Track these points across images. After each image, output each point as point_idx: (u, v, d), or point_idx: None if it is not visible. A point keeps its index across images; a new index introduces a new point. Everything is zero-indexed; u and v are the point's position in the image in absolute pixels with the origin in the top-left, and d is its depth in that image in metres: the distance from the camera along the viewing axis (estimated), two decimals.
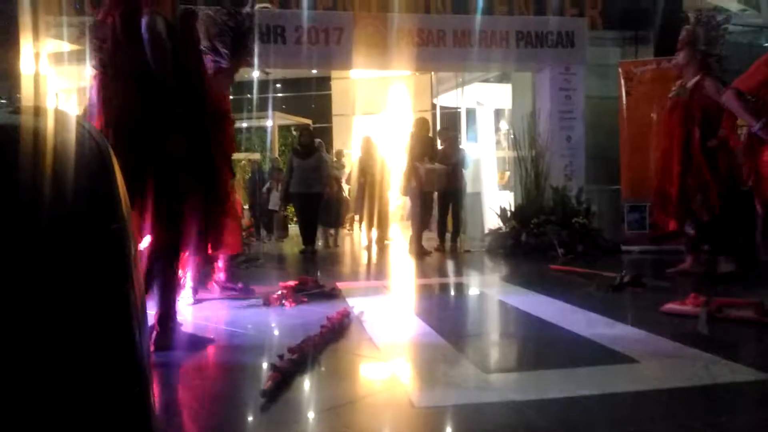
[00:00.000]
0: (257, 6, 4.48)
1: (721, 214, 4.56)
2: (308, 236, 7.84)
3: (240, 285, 4.60)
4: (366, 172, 8.31)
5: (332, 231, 9.25)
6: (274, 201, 10.60)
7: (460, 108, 11.48)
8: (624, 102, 7.56)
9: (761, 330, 3.27)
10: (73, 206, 1.32)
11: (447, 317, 4.03)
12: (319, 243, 8.43)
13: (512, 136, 8.88)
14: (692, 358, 2.75)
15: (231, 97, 4.71)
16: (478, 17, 7.76)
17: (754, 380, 2.41)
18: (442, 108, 13.50)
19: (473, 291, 5.35)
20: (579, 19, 8.14)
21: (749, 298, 3.63)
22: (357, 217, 9.17)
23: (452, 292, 5.32)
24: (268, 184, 10.81)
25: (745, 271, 4.55)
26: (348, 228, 11.73)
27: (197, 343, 3.11)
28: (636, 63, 7.84)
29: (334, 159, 10.87)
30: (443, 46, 7.74)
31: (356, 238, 10.61)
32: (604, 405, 2.24)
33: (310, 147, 7.93)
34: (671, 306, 3.75)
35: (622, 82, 7.57)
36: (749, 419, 2.09)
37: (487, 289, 5.24)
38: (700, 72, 4.59)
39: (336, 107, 16.78)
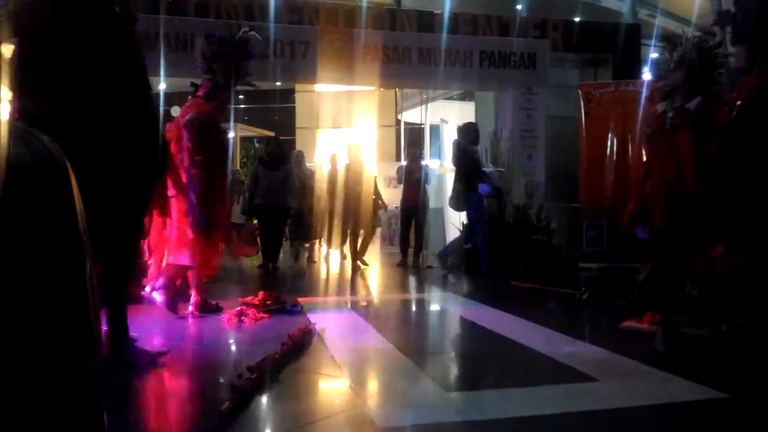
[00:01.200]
0: (250, 32, 4.67)
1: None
2: (269, 252, 7.53)
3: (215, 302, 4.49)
4: (351, 182, 7.89)
5: (306, 245, 8.96)
6: (236, 214, 10.45)
7: (423, 124, 11.58)
8: (583, 123, 7.75)
9: (716, 348, 3.36)
10: (28, 221, 1.26)
11: (409, 334, 4.02)
12: (281, 258, 8.28)
13: None
14: (649, 376, 2.80)
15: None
16: (444, 36, 7.86)
17: (709, 398, 2.47)
18: (406, 124, 13.60)
19: (434, 307, 5.36)
20: (541, 41, 8.33)
21: (703, 317, 3.73)
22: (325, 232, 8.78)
23: (414, 308, 5.32)
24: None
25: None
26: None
27: (150, 358, 3.01)
28: (595, 85, 8.05)
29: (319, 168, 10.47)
30: (408, 63, 7.81)
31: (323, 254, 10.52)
32: (564, 424, 2.26)
33: (279, 158, 7.52)
34: (629, 323, 3.82)
35: (582, 103, 7.76)
36: None
37: (449, 305, 5.25)
38: (699, 96, 4.47)
39: (300, 120, 16.71)
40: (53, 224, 1.48)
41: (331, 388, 2.83)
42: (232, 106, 4.78)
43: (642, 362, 3.01)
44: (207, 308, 4.33)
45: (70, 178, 1.57)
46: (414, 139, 11.68)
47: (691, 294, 4.69)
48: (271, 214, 7.38)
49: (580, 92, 7.82)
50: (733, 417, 2.35)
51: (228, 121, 4.72)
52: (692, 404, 2.41)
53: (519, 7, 11.23)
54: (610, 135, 7.59)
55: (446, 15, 8.22)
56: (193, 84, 4.59)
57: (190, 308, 4.28)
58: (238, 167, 13.43)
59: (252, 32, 4.77)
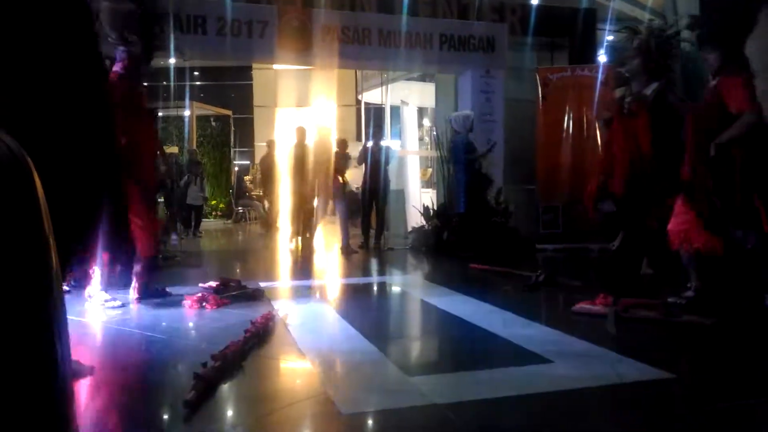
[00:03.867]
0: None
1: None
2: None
3: (164, 289, 4.44)
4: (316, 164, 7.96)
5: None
6: (193, 195, 10.30)
7: (384, 104, 11.56)
8: (540, 106, 7.88)
9: (665, 329, 3.52)
10: None
11: (371, 318, 4.08)
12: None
13: (435, 136, 9.05)
14: (601, 357, 2.93)
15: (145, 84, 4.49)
16: (404, 17, 7.84)
17: (658, 378, 2.60)
18: (366, 104, 13.55)
19: (396, 290, 5.43)
20: (499, 25, 8.40)
21: (655, 299, 3.90)
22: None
23: (376, 292, 5.38)
24: (186, 178, 10.48)
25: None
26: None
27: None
28: (552, 69, 8.18)
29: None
30: (368, 44, 7.77)
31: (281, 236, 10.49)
32: (522, 406, 2.36)
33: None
34: (582, 305, 3.97)
35: (539, 87, 7.88)
36: (654, 417, 2.26)
37: (410, 288, 5.34)
38: (655, 81, 4.64)
39: (257, 98, 16.45)
40: (17, 222, 1.46)
41: (295, 374, 2.87)
42: (188, 84, 4.60)
43: (594, 344, 3.14)
44: (151, 293, 4.27)
45: (33, 176, 1.55)
46: (377, 120, 11.68)
47: (646, 273, 4.91)
48: None
49: (537, 76, 7.93)
50: (679, 396, 2.49)
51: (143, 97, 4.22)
52: (641, 384, 2.54)
53: None
54: (566, 119, 7.74)
55: None
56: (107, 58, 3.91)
57: (134, 294, 4.21)
58: (194, 147, 13.19)
59: None
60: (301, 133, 8.03)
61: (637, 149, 4.29)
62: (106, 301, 4.01)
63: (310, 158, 7.91)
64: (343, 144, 8.42)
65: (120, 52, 3.94)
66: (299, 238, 7.96)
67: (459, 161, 7.28)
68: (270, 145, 11.35)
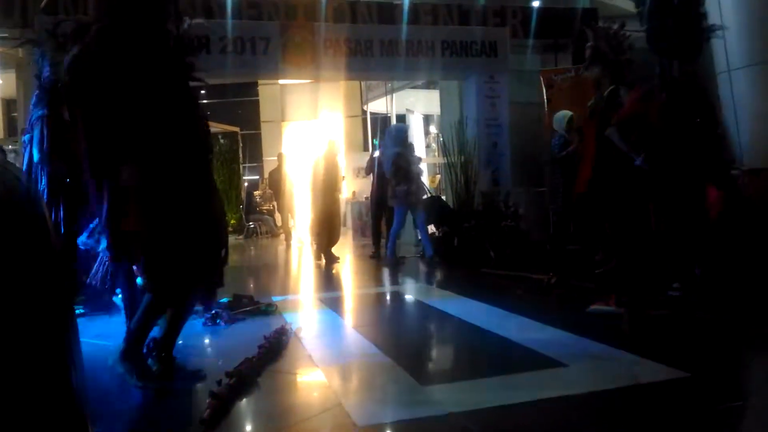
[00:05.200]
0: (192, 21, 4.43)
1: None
2: None
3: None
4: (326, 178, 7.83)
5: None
6: None
7: (390, 114, 11.61)
8: (546, 108, 7.87)
9: (680, 327, 3.50)
10: (3, 248, 1.28)
11: (384, 329, 4.08)
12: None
13: (442, 143, 9.06)
14: (617, 359, 2.92)
15: None
16: (405, 27, 7.89)
17: (673, 378, 2.58)
18: (372, 114, 13.61)
19: (409, 299, 5.43)
20: (501, 29, 8.42)
21: (664, 296, 3.88)
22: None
23: (389, 302, 5.38)
24: None
25: None
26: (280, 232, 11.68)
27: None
28: (556, 71, 8.17)
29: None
30: (371, 55, 7.82)
31: (292, 246, 10.52)
32: (538, 411, 2.35)
33: None
34: (596, 306, 3.95)
35: (543, 89, 7.88)
36: (670, 418, 2.24)
37: (422, 296, 5.33)
38: (614, 82, 4.78)
39: (264, 113, 16.56)
40: (29, 251, 1.49)
41: (310, 388, 2.87)
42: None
43: (609, 345, 3.13)
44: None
45: (43, 207, 1.59)
46: (384, 130, 11.74)
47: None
48: None
49: (541, 78, 7.93)
50: (694, 396, 2.47)
51: None
52: (656, 385, 2.52)
53: None
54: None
55: (406, 5, 8.24)
56: None
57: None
58: None
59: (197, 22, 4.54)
60: (332, 145, 8.04)
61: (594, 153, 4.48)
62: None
63: (338, 171, 7.97)
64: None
65: None
66: (324, 252, 7.78)
67: (556, 160, 7.26)
68: (280, 158, 11.41)
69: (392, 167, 7.15)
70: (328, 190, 7.74)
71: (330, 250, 7.70)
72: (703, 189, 4.13)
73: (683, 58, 4.07)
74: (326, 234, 7.72)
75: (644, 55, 4.49)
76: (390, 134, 7.44)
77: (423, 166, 10.85)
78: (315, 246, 7.90)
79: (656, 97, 4.10)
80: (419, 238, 8.60)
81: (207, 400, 2.39)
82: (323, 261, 7.65)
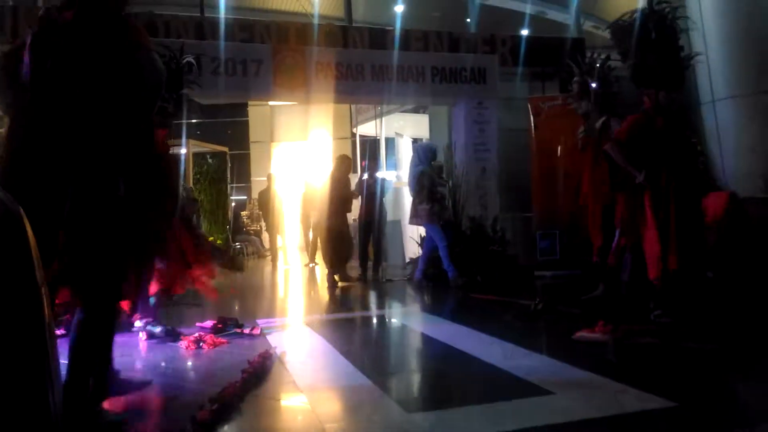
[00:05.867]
0: (189, 58, 4.52)
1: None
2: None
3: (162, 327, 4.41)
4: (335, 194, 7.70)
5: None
6: None
7: (378, 137, 11.67)
8: (533, 135, 7.95)
9: (668, 356, 3.50)
10: None
11: (370, 354, 4.05)
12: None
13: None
14: (603, 387, 2.90)
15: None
16: (396, 53, 7.97)
17: (660, 408, 2.57)
18: (361, 137, 13.67)
19: (395, 324, 5.40)
20: (490, 57, 8.53)
21: (651, 324, 3.89)
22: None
23: (375, 326, 5.34)
24: None
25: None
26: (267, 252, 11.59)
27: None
28: (543, 98, 8.27)
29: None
30: (362, 79, 7.88)
31: (278, 266, 10.45)
32: None
33: None
34: (582, 334, 3.94)
35: (531, 116, 7.96)
36: None
37: (409, 321, 5.30)
38: (604, 113, 4.90)
39: (254, 134, 16.58)
40: (10, 272, 1.47)
41: (294, 413, 2.83)
42: (184, 122, 4.70)
43: (595, 373, 3.11)
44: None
45: (26, 227, 1.56)
46: (373, 152, 11.78)
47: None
48: None
49: (529, 105, 8.02)
50: (681, 426, 2.46)
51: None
52: (643, 414, 2.51)
53: (468, 20, 11.50)
54: (559, 147, 7.80)
55: (398, 32, 8.33)
56: None
57: (142, 335, 4.22)
58: (191, 184, 13.22)
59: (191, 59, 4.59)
60: (344, 162, 8.02)
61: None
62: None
63: (350, 188, 7.93)
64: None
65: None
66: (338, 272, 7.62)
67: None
68: (269, 178, 11.39)
69: (416, 185, 7.11)
70: (339, 207, 7.69)
71: (344, 268, 7.60)
72: (699, 204, 4.23)
73: (669, 87, 4.16)
74: (337, 252, 7.61)
75: (630, 85, 4.59)
76: (417, 152, 7.43)
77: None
78: (328, 267, 7.59)
79: (653, 120, 4.17)
80: (407, 260, 8.60)
81: (188, 426, 2.34)
82: (339, 282, 7.49)
